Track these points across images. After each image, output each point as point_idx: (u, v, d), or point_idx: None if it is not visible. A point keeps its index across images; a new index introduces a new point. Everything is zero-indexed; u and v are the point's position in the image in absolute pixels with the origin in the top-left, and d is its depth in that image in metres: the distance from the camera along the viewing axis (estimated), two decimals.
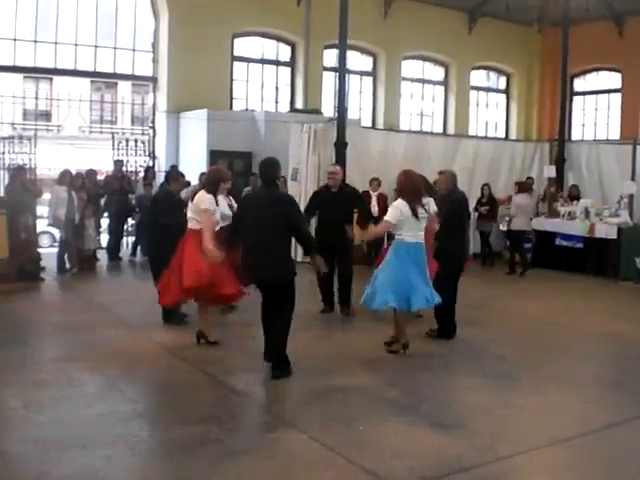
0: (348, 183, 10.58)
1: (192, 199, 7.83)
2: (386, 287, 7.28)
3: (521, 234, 14.37)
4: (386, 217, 7.42)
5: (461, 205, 8.54)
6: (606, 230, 13.64)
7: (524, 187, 14.78)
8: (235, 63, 18.37)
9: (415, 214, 7.29)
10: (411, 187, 7.40)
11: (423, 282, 7.36)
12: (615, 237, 13.46)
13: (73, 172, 13.19)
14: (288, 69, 19.37)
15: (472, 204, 15.16)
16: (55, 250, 13.10)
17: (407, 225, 7.32)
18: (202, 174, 14.81)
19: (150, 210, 9.09)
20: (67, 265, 12.49)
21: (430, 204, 7.91)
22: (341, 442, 5.03)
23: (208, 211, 7.47)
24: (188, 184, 14.44)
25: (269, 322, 6.80)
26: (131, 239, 15.24)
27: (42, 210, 13.67)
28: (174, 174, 9.43)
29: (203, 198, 7.55)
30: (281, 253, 6.62)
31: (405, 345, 7.53)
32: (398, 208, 7.32)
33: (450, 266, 8.15)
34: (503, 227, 15.04)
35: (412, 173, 7.61)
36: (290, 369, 6.66)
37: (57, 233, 13.49)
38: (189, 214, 7.69)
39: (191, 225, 7.63)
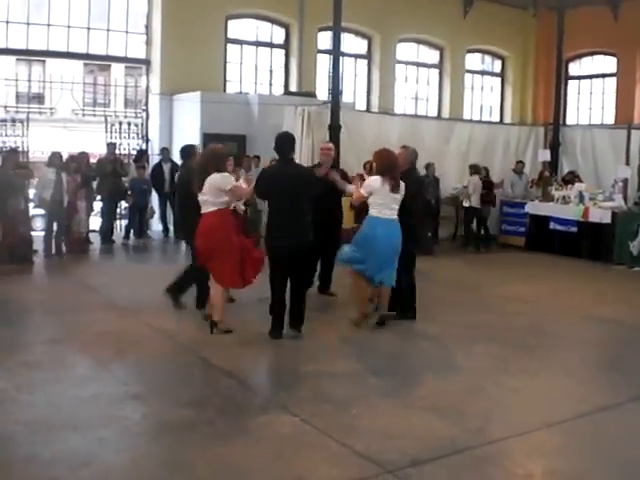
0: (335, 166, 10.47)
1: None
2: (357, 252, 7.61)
3: (477, 211, 14.89)
4: (361, 189, 7.78)
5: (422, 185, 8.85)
6: (600, 214, 13.62)
7: (477, 170, 14.99)
8: (229, 45, 18.20)
9: (392, 190, 7.51)
10: (387, 163, 7.62)
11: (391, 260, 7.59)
12: (609, 221, 13.44)
13: (65, 155, 13.11)
14: (282, 51, 19.22)
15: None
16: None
17: (380, 201, 7.54)
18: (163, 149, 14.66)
19: (182, 190, 8.35)
20: (53, 248, 12.39)
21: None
22: (333, 425, 5.02)
23: (236, 186, 7.33)
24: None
25: (295, 291, 7.24)
26: (124, 222, 15.19)
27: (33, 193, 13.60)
28: (191, 149, 9.04)
29: (220, 179, 7.20)
30: (306, 223, 7.20)
31: (364, 315, 7.81)
32: (372, 182, 7.65)
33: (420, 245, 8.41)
34: (466, 204, 15.13)
35: (387, 151, 7.86)
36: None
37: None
38: (204, 198, 7.25)
39: (208, 208, 7.25)
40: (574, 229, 14.15)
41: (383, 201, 7.55)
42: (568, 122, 20.77)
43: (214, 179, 7.19)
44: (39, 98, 26.89)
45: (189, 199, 7.61)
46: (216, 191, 7.20)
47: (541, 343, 7.62)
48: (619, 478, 4.35)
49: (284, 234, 7.12)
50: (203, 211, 7.31)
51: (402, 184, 7.63)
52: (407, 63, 21.25)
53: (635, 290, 11.21)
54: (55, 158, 12.39)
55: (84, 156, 13.78)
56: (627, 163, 14.86)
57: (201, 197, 7.29)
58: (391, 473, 4.28)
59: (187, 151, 9.01)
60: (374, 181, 7.62)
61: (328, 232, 9.19)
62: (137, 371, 6.39)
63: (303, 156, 14.04)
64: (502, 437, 4.94)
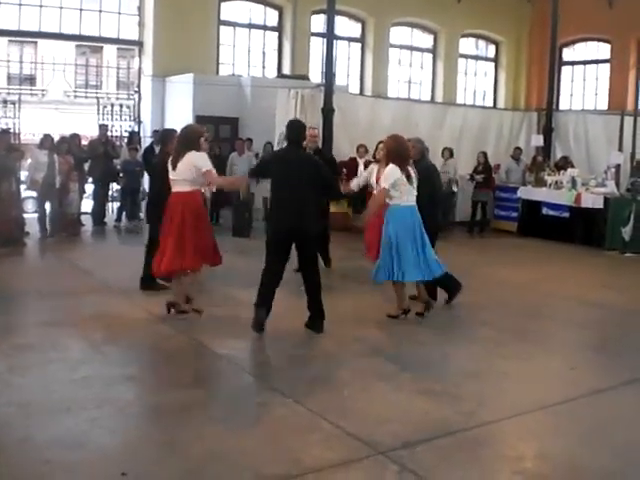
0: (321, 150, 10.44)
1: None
2: (388, 262, 7.30)
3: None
4: (382, 184, 7.33)
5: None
6: (592, 200, 13.64)
7: (451, 153, 15.02)
8: (222, 27, 18.14)
9: (408, 178, 7.27)
10: (399, 151, 7.36)
11: (422, 253, 7.35)
12: (601, 207, 13.47)
13: (57, 137, 13.04)
14: (275, 34, 19.16)
15: (462, 172, 15.30)
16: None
17: (401, 189, 7.27)
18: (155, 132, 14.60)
19: (158, 177, 8.02)
20: (48, 229, 12.36)
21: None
22: (326, 407, 5.03)
23: (210, 171, 7.17)
24: None
25: (309, 280, 7.07)
26: (116, 204, 15.14)
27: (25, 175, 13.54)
28: (170, 134, 8.41)
29: (199, 158, 7.12)
30: (313, 210, 7.09)
31: (405, 311, 7.61)
32: (392, 172, 7.25)
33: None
34: (455, 188, 15.13)
35: (401, 138, 7.55)
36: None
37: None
38: (179, 177, 7.16)
39: (179, 188, 7.17)
40: (566, 214, 14.18)
41: (405, 187, 7.31)
42: (561, 107, 20.79)
43: (193, 156, 7.10)
44: (31, 79, 26.73)
45: (164, 186, 7.47)
46: (192, 169, 7.11)
47: (534, 327, 7.66)
48: (612, 460, 4.37)
49: (285, 220, 6.95)
50: (175, 190, 7.20)
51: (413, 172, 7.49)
52: (401, 47, 21.22)
53: (627, 275, 11.27)
54: (46, 140, 12.35)
55: (76, 138, 13.71)
56: (620, 149, 14.87)
57: (174, 176, 7.19)
58: (383, 454, 4.30)
59: (165, 136, 8.69)
60: (394, 170, 7.27)
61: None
62: (131, 353, 6.39)
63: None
64: (495, 420, 4.97)
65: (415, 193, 7.38)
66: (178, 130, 7.93)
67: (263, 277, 6.97)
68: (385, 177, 7.29)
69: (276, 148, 14.00)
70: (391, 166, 7.28)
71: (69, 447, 4.27)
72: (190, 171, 7.12)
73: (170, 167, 7.23)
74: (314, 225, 7.15)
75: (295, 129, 7.26)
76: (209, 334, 6.83)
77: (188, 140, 7.25)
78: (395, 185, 7.23)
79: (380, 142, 9.23)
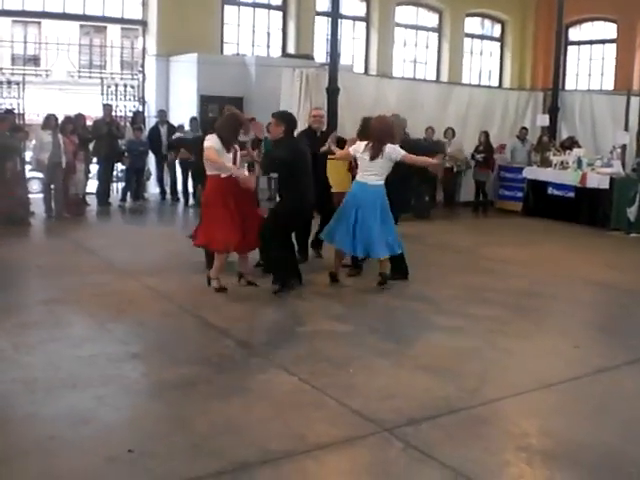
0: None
1: None
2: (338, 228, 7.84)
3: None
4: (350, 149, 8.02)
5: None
6: (598, 180, 13.60)
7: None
8: (226, 7, 18.02)
9: (371, 158, 7.63)
10: (375, 130, 7.73)
11: (379, 228, 7.67)
12: (607, 187, 13.43)
13: (61, 117, 13.01)
14: (280, 13, 19.02)
15: (468, 151, 15.29)
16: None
17: (363, 166, 7.76)
18: (193, 119, 14.69)
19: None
20: (53, 210, 12.37)
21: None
22: (330, 383, 5.05)
23: (211, 148, 7.32)
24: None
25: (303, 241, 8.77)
26: (120, 184, 15.13)
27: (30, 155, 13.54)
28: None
29: (206, 140, 7.42)
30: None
31: (332, 275, 8.06)
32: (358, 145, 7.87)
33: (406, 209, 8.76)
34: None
35: (385, 119, 7.95)
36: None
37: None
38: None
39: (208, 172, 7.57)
40: (572, 194, 14.13)
41: (363, 166, 7.76)
42: (567, 87, 20.67)
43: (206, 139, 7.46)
44: (35, 60, 26.61)
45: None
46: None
47: (537, 305, 7.66)
48: (614, 438, 4.39)
49: (310, 197, 7.71)
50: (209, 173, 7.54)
51: (388, 151, 7.62)
52: (406, 26, 21.08)
53: (631, 255, 11.26)
54: (50, 120, 12.31)
55: (81, 118, 13.69)
56: (626, 129, 14.80)
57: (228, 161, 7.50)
58: (388, 431, 4.32)
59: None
60: (358, 145, 7.86)
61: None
62: (136, 331, 6.41)
63: (301, 119, 13.94)
64: (498, 397, 4.98)
65: (379, 174, 7.71)
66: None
67: (280, 253, 7.58)
68: (353, 146, 7.99)
69: None
70: (361, 142, 7.87)
71: (74, 424, 4.29)
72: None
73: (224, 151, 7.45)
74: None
75: (292, 120, 7.73)
76: (214, 311, 6.85)
77: (221, 125, 7.57)
78: (354, 157, 7.93)
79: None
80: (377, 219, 7.64)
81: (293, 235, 8.29)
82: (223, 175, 7.33)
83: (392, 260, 8.05)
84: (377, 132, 7.68)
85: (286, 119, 7.69)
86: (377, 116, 8.06)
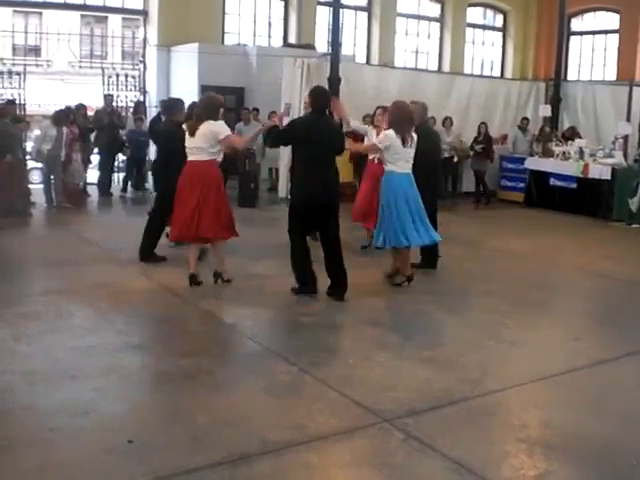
0: None
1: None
2: (389, 227, 7.39)
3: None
4: (375, 140, 7.71)
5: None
6: (600, 171, 13.56)
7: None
8: None
9: (404, 143, 7.31)
10: (401, 116, 7.40)
11: (419, 218, 7.42)
12: (609, 178, 13.39)
13: (62, 107, 12.99)
14: (281, 3, 18.92)
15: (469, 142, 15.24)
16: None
17: (396, 155, 7.35)
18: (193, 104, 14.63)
19: (169, 147, 8.27)
20: (54, 201, 12.35)
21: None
22: (331, 374, 5.05)
23: (229, 135, 7.27)
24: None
25: (330, 248, 7.08)
26: (121, 175, 15.11)
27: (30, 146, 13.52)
28: (178, 105, 8.92)
29: (217, 126, 7.16)
30: (334, 175, 7.16)
31: (409, 278, 7.63)
32: (387, 136, 7.39)
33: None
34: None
35: (403, 104, 7.63)
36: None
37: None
38: (195, 145, 7.17)
39: (196, 157, 7.19)
40: (574, 185, 14.09)
41: (399, 154, 7.37)
42: (569, 78, 20.59)
43: (211, 125, 7.12)
44: (36, 50, 26.55)
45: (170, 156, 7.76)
46: (211, 138, 7.13)
47: (539, 297, 7.64)
48: (613, 429, 4.38)
49: (316, 185, 6.94)
50: (192, 159, 7.22)
51: (415, 138, 7.47)
52: (408, 16, 20.98)
53: (633, 246, 11.24)
54: (64, 116, 12.26)
55: (82, 108, 13.67)
56: (628, 120, 14.76)
57: (192, 144, 7.20)
58: (389, 422, 4.31)
59: (172, 106, 8.91)
60: (390, 134, 7.37)
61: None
62: (136, 322, 6.40)
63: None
64: (498, 389, 4.97)
65: (411, 161, 7.43)
66: (183, 100, 7.95)
67: (294, 249, 7.08)
68: (380, 139, 7.55)
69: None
70: (389, 130, 7.40)
71: (74, 415, 4.28)
72: (208, 140, 7.14)
73: (187, 135, 7.25)
74: (338, 190, 7.23)
75: (318, 96, 7.20)
76: (214, 303, 6.86)
77: (208, 109, 7.26)
78: (388, 149, 7.35)
79: (378, 107, 9.28)
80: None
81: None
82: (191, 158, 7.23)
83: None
84: (401, 117, 7.41)
85: (310, 94, 7.44)
86: (396, 101, 7.74)
